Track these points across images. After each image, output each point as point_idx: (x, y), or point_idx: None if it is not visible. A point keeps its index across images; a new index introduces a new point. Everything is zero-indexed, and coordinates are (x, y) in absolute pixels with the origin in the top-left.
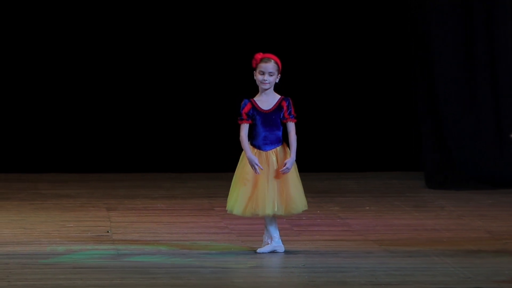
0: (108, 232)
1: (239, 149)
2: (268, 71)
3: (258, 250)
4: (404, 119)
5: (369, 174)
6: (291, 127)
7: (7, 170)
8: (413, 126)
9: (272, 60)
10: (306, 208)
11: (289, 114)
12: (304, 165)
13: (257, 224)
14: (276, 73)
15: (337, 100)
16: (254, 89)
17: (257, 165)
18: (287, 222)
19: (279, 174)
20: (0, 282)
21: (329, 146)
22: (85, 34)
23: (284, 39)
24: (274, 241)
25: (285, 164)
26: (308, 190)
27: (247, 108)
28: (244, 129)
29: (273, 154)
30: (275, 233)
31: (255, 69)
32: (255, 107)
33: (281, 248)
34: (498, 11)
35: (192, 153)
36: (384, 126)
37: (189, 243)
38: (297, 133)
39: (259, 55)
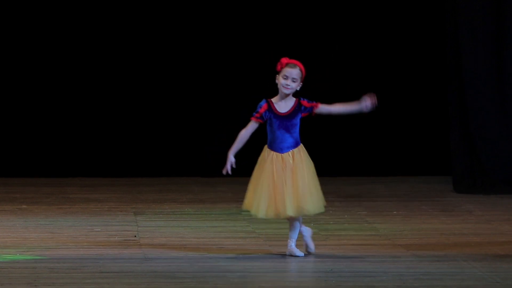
0: (135, 236)
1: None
2: (292, 76)
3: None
4: (433, 123)
5: (397, 179)
6: (324, 106)
7: (36, 174)
8: (442, 131)
9: (298, 67)
10: (322, 211)
11: (313, 102)
12: (332, 169)
13: (285, 228)
14: (299, 80)
15: None
16: (275, 92)
17: (230, 166)
18: (315, 227)
19: (295, 176)
20: (28, 287)
21: (358, 150)
22: (103, 40)
23: (309, 42)
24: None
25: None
26: (336, 195)
27: (263, 108)
28: (251, 127)
29: (289, 156)
30: (295, 234)
31: (278, 72)
32: (271, 109)
33: (295, 252)
34: None
35: (221, 157)
36: (413, 130)
37: (216, 247)
38: (327, 137)
39: (285, 60)
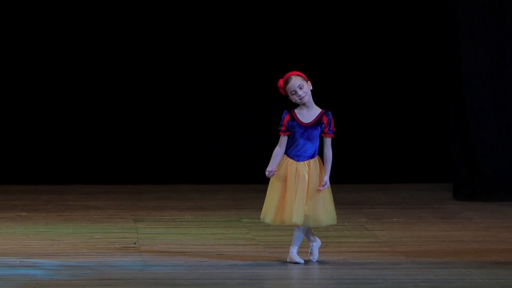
0: (135, 243)
1: (269, 161)
2: (296, 87)
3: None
4: (433, 130)
5: (397, 186)
6: (328, 142)
7: (36, 181)
8: (441, 138)
9: (292, 76)
10: (334, 223)
11: (329, 129)
12: (333, 176)
13: (284, 235)
14: (304, 82)
15: (366, 112)
16: (275, 93)
17: (271, 171)
18: (315, 233)
19: (308, 186)
20: None
21: (357, 157)
22: (102, 45)
23: (309, 43)
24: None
25: (324, 182)
26: (336, 202)
27: (285, 120)
28: (283, 142)
29: (305, 165)
30: (298, 242)
31: (287, 95)
32: (294, 118)
33: (295, 258)
34: None
35: (220, 165)
36: (412, 137)
37: (216, 254)
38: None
39: (280, 82)
